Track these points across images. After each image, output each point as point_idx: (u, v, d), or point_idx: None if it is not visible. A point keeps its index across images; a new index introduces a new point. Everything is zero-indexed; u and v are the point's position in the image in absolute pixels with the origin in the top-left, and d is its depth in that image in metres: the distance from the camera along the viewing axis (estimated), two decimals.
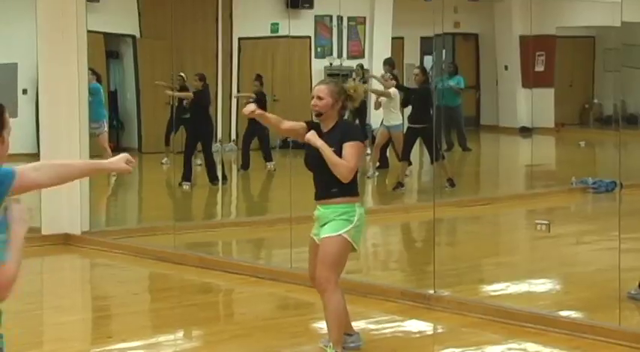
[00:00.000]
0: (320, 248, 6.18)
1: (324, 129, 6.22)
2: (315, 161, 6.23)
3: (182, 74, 15.57)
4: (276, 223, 11.08)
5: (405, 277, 9.40)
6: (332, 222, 6.14)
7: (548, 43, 23.06)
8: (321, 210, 6.24)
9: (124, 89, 20.39)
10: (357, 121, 16.51)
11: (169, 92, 15.32)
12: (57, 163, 3.65)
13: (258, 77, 16.29)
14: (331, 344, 6.14)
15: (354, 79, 15.38)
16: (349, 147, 6.10)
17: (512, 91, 24.08)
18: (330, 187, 6.18)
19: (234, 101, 19.57)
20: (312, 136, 6.17)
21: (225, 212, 14.16)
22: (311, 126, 6.33)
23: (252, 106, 6.39)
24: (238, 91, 19.37)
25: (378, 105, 15.35)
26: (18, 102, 18.34)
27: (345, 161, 6.07)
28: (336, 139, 6.13)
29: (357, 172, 6.31)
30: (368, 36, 21.77)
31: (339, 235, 6.11)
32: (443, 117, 18.85)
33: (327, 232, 6.15)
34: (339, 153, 6.10)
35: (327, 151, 6.10)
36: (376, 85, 16.03)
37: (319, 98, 6.23)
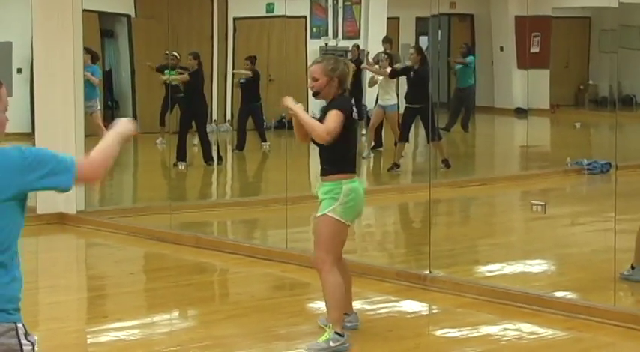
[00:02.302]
0: (313, 229, 6.21)
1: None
2: (312, 138, 6.23)
3: (176, 53, 15.52)
4: (272, 203, 11.09)
5: (401, 258, 9.41)
6: (323, 202, 6.15)
7: (543, 23, 23.00)
8: (319, 189, 6.25)
9: (119, 69, 20.33)
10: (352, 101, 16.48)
11: (163, 77, 15.25)
12: (98, 149, 3.56)
13: (250, 58, 16.29)
14: (330, 324, 6.14)
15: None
16: (330, 114, 6.11)
17: (507, 72, 24.05)
18: (323, 164, 6.21)
19: (229, 81, 19.53)
20: (289, 101, 6.20)
21: (221, 192, 14.17)
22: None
23: (293, 102, 6.30)
24: (233, 70, 19.33)
25: (373, 83, 15.34)
26: (13, 82, 18.29)
27: (321, 124, 6.07)
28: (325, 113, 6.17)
29: (354, 150, 6.31)
30: (363, 16, 21.71)
31: (325, 215, 6.11)
32: (454, 98, 18.90)
33: (318, 212, 6.17)
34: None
35: (302, 115, 6.13)
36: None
37: (314, 79, 6.22)
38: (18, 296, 3.40)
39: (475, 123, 22.69)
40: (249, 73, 15.91)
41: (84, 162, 3.46)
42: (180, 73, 14.94)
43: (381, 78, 15.01)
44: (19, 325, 3.35)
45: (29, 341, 3.35)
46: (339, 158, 6.17)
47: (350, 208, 6.15)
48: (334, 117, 6.09)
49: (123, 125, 3.65)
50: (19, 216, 3.40)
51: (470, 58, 19.68)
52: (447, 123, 18.27)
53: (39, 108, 10.66)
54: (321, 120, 6.18)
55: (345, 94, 6.30)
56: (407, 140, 14.46)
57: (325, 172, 6.18)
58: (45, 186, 3.39)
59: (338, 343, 6.08)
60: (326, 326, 6.23)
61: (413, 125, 14.64)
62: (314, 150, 6.47)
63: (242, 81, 16.06)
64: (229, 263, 8.85)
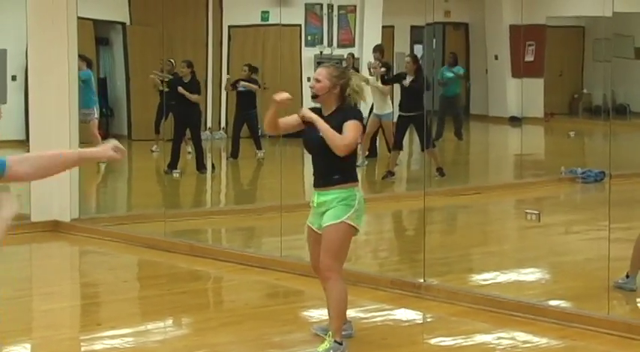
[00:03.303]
0: (323, 236, 6.15)
1: (325, 114, 6.19)
2: (314, 145, 6.21)
3: (171, 60, 15.53)
4: (266, 211, 11.09)
5: (395, 266, 9.41)
6: (333, 209, 6.11)
7: (538, 32, 23.05)
8: (321, 198, 6.19)
9: (114, 76, 20.33)
10: None
11: (159, 81, 15.25)
12: (43, 155, 3.58)
13: (251, 67, 16.32)
14: (330, 332, 6.14)
15: (358, 75, 15.38)
16: (348, 125, 6.07)
17: (502, 81, 24.09)
18: (331, 174, 6.15)
19: (223, 89, 19.54)
20: (306, 111, 6.15)
21: (215, 200, 14.16)
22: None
23: (287, 94, 6.29)
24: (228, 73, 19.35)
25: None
26: (7, 89, 18.27)
27: (342, 136, 6.06)
28: (336, 122, 6.09)
29: (355, 156, 6.32)
30: (358, 24, 21.74)
31: (342, 222, 6.10)
32: (441, 107, 18.89)
33: (330, 220, 6.11)
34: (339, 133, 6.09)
35: (322, 125, 6.08)
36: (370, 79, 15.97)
37: (317, 80, 6.21)
38: None
39: (469, 132, 22.72)
40: (256, 87, 15.96)
41: (13, 162, 3.46)
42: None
43: (376, 88, 15.01)
44: None
45: None
46: (349, 166, 6.20)
47: (361, 215, 6.21)
48: (354, 129, 6.09)
49: (103, 151, 3.64)
50: None
51: (459, 69, 19.69)
52: (435, 133, 18.27)
53: (33, 115, 10.66)
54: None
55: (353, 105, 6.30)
56: (400, 148, 14.47)
57: (335, 181, 6.14)
58: None
59: None
60: (324, 334, 6.23)
61: (407, 133, 14.65)
62: (308, 159, 6.46)
63: (241, 89, 16.05)
64: (223, 270, 8.85)
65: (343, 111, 6.19)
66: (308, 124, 6.21)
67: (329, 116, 6.16)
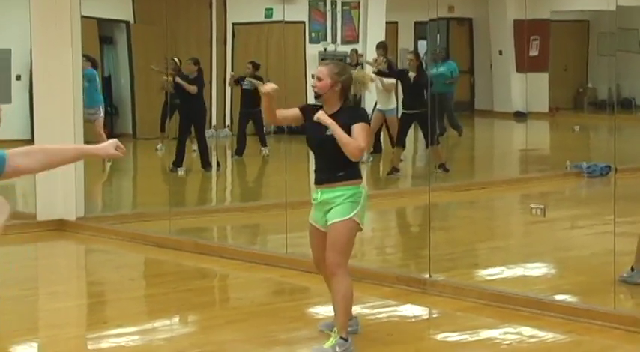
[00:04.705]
0: (330, 233, 6.15)
1: (329, 112, 6.16)
2: (318, 143, 6.20)
3: (176, 59, 15.53)
4: (271, 208, 11.09)
5: (401, 262, 9.42)
6: (340, 206, 6.11)
7: (542, 27, 23.03)
8: (324, 195, 6.18)
9: (118, 75, 20.36)
10: None
11: (165, 78, 15.25)
12: (47, 148, 3.63)
13: (254, 64, 16.31)
14: (336, 329, 6.15)
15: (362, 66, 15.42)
16: (358, 128, 6.06)
17: (506, 76, 24.08)
18: (336, 171, 6.13)
19: (228, 86, 19.54)
20: (322, 115, 6.12)
21: (220, 197, 14.17)
22: (306, 109, 6.31)
23: (273, 85, 6.28)
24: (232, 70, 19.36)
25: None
26: (12, 88, 18.30)
27: (355, 141, 6.06)
28: (342, 121, 6.08)
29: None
30: (362, 21, 21.74)
31: (350, 219, 6.10)
32: (434, 103, 18.76)
33: (336, 217, 6.11)
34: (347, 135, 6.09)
35: (337, 130, 6.05)
36: (369, 69, 15.98)
37: (319, 79, 6.19)
38: None
39: (474, 127, 22.73)
40: (261, 83, 15.95)
41: (14, 156, 3.46)
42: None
43: (379, 84, 14.99)
44: None
45: None
46: (354, 163, 6.18)
47: (365, 212, 6.23)
48: (364, 132, 6.09)
49: (104, 148, 3.66)
50: None
51: (449, 64, 19.49)
52: (438, 129, 18.19)
53: (38, 114, 10.66)
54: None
55: (350, 103, 6.30)
56: (403, 145, 14.46)
57: (340, 178, 6.13)
58: None
59: (343, 348, 6.09)
60: (330, 331, 6.23)
61: (410, 130, 14.65)
62: (313, 156, 6.46)
63: (246, 87, 16.05)
64: (229, 268, 8.85)
65: (348, 111, 6.18)
66: (310, 120, 6.20)
67: (333, 115, 6.13)
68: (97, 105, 15.52)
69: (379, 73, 14.68)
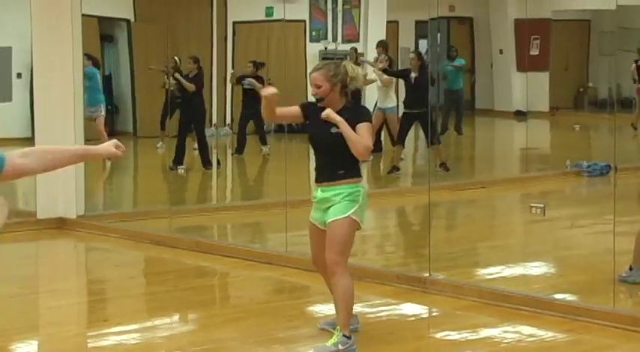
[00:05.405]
0: (328, 231, 6.16)
1: None
2: (322, 141, 6.21)
3: (176, 58, 15.54)
4: (272, 207, 11.10)
5: (401, 260, 9.42)
6: (338, 205, 6.11)
7: (543, 26, 23.03)
8: (323, 193, 6.19)
9: (119, 73, 20.37)
10: None
11: (166, 78, 15.24)
12: (47, 149, 3.60)
13: (256, 64, 16.31)
14: (339, 327, 6.15)
15: (349, 61, 15.37)
16: (364, 128, 6.07)
17: (507, 75, 24.09)
18: (337, 169, 6.15)
19: (229, 85, 19.56)
20: (330, 112, 6.13)
21: (221, 196, 14.18)
22: (307, 107, 6.32)
23: (273, 89, 6.29)
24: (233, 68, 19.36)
25: (367, 82, 15.44)
26: (12, 87, 18.31)
27: (363, 140, 6.07)
28: (346, 120, 6.10)
29: None
30: (363, 20, 21.73)
31: (348, 217, 6.11)
32: (445, 100, 18.88)
33: (334, 215, 6.12)
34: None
35: (346, 128, 6.06)
36: (369, 69, 15.99)
37: (317, 86, 6.20)
38: None
39: (475, 126, 22.74)
40: (260, 85, 15.96)
41: (14, 157, 3.46)
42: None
43: (379, 81, 15.00)
44: None
45: None
46: (354, 162, 6.19)
47: (364, 211, 6.23)
48: (368, 131, 6.09)
49: (105, 148, 3.66)
50: None
51: (459, 61, 19.69)
52: (440, 127, 18.27)
53: (38, 112, 10.66)
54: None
55: (351, 100, 6.30)
56: (402, 144, 14.47)
57: (340, 176, 6.14)
58: None
59: (346, 346, 6.09)
60: (332, 329, 6.24)
61: (412, 129, 14.66)
62: (314, 154, 6.47)
63: (247, 87, 16.05)
64: (229, 266, 8.86)
65: (351, 110, 6.19)
66: (312, 118, 6.21)
67: (337, 113, 6.15)
68: (99, 104, 15.55)
69: (386, 72, 14.69)
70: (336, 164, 6.16)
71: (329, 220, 6.14)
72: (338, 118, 6.08)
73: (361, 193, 6.16)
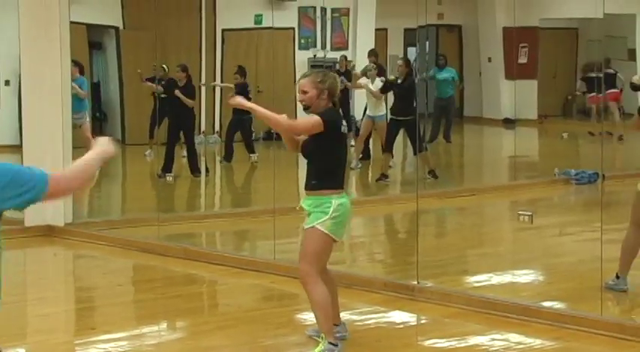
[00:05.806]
0: (301, 241, 6.21)
1: None
2: (304, 151, 6.26)
3: (164, 66, 15.53)
4: (260, 214, 11.10)
5: (389, 268, 9.43)
6: (311, 215, 6.16)
7: (531, 34, 23.10)
8: (304, 202, 6.25)
9: (107, 81, 20.34)
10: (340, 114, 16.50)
11: (154, 87, 15.19)
12: (79, 165, 3.56)
13: (240, 69, 16.25)
14: (322, 335, 6.15)
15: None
16: (308, 117, 6.14)
17: (495, 83, 24.13)
18: (311, 179, 6.20)
19: (217, 93, 19.56)
20: (240, 99, 6.25)
21: (209, 203, 14.17)
22: None
23: (238, 99, 6.35)
24: (222, 82, 19.34)
25: (358, 86, 15.49)
26: (0, 94, 18.27)
27: (288, 119, 6.11)
28: None
29: (343, 164, 6.30)
30: (351, 27, 21.77)
31: (314, 227, 6.12)
32: (435, 108, 18.94)
33: (306, 225, 6.19)
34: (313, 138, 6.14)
35: (258, 109, 6.17)
36: (364, 80, 15.96)
37: (304, 92, 6.22)
38: None
39: (463, 134, 22.77)
40: (230, 85, 15.95)
41: (56, 178, 3.42)
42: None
43: (367, 83, 15.02)
44: None
45: None
46: (329, 172, 6.17)
47: (339, 223, 6.17)
48: (309, 120, 6.12)
49: (102, 147, 3.65)
50: None
51: (450, 70, 19.70)
52: (430, 136, 18.33)
53: (27, 120, 10.65)
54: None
55: (334, 107, 6.31)
56: (391, 152, 14.47)
57: (314, 186, 6.18)
58: (17, 205, 3.36)
59: None
60: (318, 337, 6.24)
61: (399, 136, 14.67)
62: (303, 162, 6.48)
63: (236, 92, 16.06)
64: (217, 274, 8.85)
65: (320, 111, 6.18)
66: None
67: None
68: (83, 111, 15.50)
69: (387, 83, 14.65)
70: (312, 174, 6.22)
71: (303, 228, 6.20)
72: (248, 104, 6.19)
73: (332, 205, 6.11)
